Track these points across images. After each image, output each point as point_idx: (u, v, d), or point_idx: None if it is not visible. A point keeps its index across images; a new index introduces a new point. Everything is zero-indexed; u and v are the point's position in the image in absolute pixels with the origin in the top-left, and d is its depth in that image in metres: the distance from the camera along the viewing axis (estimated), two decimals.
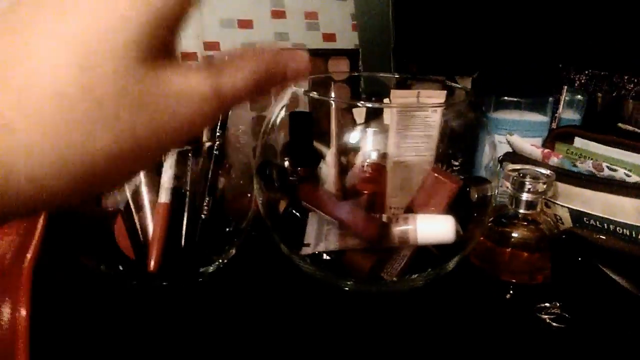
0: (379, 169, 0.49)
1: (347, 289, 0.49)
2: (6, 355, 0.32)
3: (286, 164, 0.51)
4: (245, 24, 2.53)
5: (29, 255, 0.35)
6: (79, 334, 0.42)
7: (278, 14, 2.56)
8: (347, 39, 2.86)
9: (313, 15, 2.66)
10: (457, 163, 0.58)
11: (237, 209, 0.55)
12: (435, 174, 0.47)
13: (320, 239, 0.47)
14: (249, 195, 0.54)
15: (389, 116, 0.49)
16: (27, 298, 0.32)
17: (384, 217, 0.46)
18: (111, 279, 0.49)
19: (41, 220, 0.41)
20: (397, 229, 0.45)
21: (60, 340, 0.39)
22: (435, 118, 0.49)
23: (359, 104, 0.46)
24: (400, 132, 0.48)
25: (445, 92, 0.50)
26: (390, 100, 0.50)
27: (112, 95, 0.18)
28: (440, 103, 0.50)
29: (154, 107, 0.19)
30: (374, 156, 0.49)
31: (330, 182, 0.52)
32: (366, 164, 0.49)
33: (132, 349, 0.42)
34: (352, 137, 0.50)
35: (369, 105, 0.47)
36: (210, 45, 2.48)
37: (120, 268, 0.50)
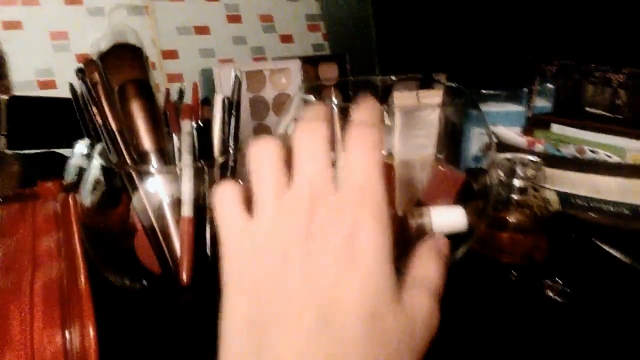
0: (387, 168, 0.52)
1: None
2: None
3: None
4: (202, 30, 2.51)
5: (82, 277, 0.37)
6: (122, 347, 0.44)
7: (234, 19, 2.56)
8: (304, 39, 2.89)
9: (268, 18, 2.67)
10: (440, 156, 0.62)
11: None
12: (442, 168, 0.51)
13: None
14: None
15: (392, 117, 0.52)
16: (93, 317, 0.33)
17: (399, 212, 0.49)
18: (139, 293, 0.50)
19: (78, 244, 0.42)
20: (414, 222, 0.48)
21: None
22: (434, 116, 0.52)
23: None
24: (404, 132, 0.52)
25: (441, 91, 0.54)
26: (393, 101, 0.53)
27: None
28: (439, 102, 0.53)
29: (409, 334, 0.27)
30: (383, 154, 0.52)
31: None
32: None
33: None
34: None
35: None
36: (168, 54, 2.44)
37: (145, 283, 0.51)
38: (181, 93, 0.61)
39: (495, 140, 0.67)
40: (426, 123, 0.53)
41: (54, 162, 0.73)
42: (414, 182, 0.53)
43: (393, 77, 0.60)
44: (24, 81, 1.89)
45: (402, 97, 0.53)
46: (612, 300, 0.50)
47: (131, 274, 0.51)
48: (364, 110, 0.31)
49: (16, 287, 0.35)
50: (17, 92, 1.88)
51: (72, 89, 0.66)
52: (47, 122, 0.72)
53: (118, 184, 0.51)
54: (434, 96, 0.54)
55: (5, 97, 0.75)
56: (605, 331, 0.47)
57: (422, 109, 0.52)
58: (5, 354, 0.30)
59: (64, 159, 0.71)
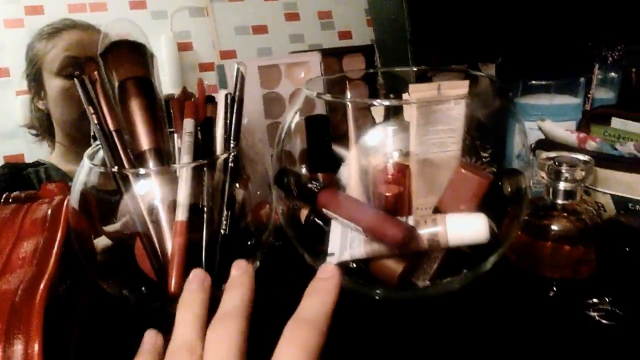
0: (402, 168, 0.46)
1: (377, 297, 0.46)
2: None
3: (304, 170, 0.49)
4: (260, 30, 2.50)
5: (41, 287, 0.34)
6: None
7: (292, 17, 2.53)
8: (363, 35, 2.80)
9: (327, 14, 2.61)
10: (486, 155, 0.55)
11: (258, 221, 0.53)
12: (463, 170, 0.44)
13: (344, 247, 0.44)
14: (269, 205, 0.52)
15: (409, 112, 0.46)
16: (39, 333, 0.31)
17: (411, 220, 0.43)
18: (134, 302, 0.48)
19: (55, 249, 0.40)
20: (426, 232, 0.42)
21: None
22: (459, 110, 0.46)
23: (374, 103, 0.43)
24: (422, 128, 0.46)
25: (468, 81, 0.47)
26: (409, 95, 0.47)
27: None
28: (462, 94, 0.47)
29: None
30: (396, 155, 0.46)
31: (352, 186, 0.50)
32: (388, 164, 0.47)
33: None
34: (372, 136, 0.48)
35: (386, 103, 0.44)
36: (227, 54, 2.44)
37: (144, 290, 0.48)
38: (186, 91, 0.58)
39: (528, 137, 0.59)
40: (449, 118, 0.46)
41: None
42: (433, 186, 0.47)
43: (414, 68, 0.54)
44: None
45: (419, 90, 0.47)
46: None
47: (129, 281, 0.48)
48: (311, 305, 0.32)
49: None
50: None
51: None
52: None
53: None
54: (459, 87, 0.47)
55: None
56: None
57: (444, 103, 0.46)
58: None
59: None
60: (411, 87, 0.46)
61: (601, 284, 0.48)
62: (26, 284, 0.34)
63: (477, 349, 0.43)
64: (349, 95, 0.56)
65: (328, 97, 0.45)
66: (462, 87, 0.47)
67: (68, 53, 1.06)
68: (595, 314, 0.45)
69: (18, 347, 0.30)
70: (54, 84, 1.07)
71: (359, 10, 2.48)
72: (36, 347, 0.30)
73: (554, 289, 0.49)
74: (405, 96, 0.50)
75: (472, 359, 0.42)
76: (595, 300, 0.46)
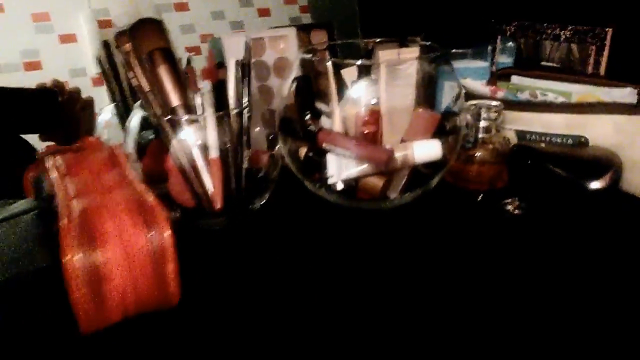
0: (375, 113, 0.63)
1: (364, 207, 0.64)
2: (161, 270, 0.44)
3: (307, 117, 0.64)
4: (181, 7, 2.57)
5: (149, 196, 0.47)
6: None
7: None
8: (281, 13, 2.95)
9: None
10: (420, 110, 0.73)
11: (264, 162, 0.67)
12: (422, 110, 0.62)
13: (341, 170, 0.61)
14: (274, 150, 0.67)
15: (378, 72, 0.63)
16: (168, 222, 0.44)
17: (388, 146, 0.60)
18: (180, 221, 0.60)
19: (132, 174, 0.52)
20: (399, 154, 0.59)
21: None
22: (412, 69, 0.63)
23: (357, 63, 0.60)
24: (388, 83, 0.62)
25: (418, 48, 0.64)
26: (378, 59, 0.64)
27: None
28: (418, 56, 0.64)
29: None
30: (371, 103, 0.63)
31: (337, 129, 0.66)
32: (365, 110, 0.63)
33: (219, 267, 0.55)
34: (354, 91, 0.64)
35: (367, 63, 0.61)
36: None
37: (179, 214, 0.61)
38: (188, 61, 0.71)
39: (463, 90, 0.78)
40: (406, 75, 0.63)
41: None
42: (398, 126, 0.64)
43: (377, 40, 0.71)
44: (11, 64, 1.94)
45: (385, 54, 0.64)
46: (557, 209, 0.63)
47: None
48: None
49: (102, 202, 0.45)
50: (4, 73, 1.94)
51: (100, 62, 0.75)
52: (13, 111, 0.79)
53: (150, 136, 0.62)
54: (412, 53, 0.65)
55: None
56: (555, 234, 0.60)
57: (402, 64, 0.63)
58: (106, 247, 0.41)
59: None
60: (379, 53, 0.63)
61: (512, 190, 0.68)
62: (137, 194, 0.47)
63: (430, 241, 0.61)
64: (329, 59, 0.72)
65: (339, 60, 0.61)
66: (414, 52, 0.65)
67: None
68: (509, 207, 0.65)
69: (155, 233, 0.43)
70: None
71: None
72: (168, 232, 0.44)
73: (480, 196, 0.69)
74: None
75: (428, 249, 0.60)
76: (508, 200, 0.66)
